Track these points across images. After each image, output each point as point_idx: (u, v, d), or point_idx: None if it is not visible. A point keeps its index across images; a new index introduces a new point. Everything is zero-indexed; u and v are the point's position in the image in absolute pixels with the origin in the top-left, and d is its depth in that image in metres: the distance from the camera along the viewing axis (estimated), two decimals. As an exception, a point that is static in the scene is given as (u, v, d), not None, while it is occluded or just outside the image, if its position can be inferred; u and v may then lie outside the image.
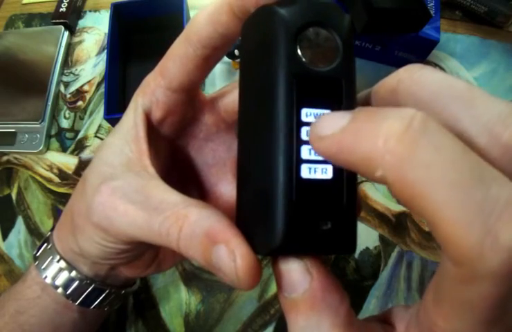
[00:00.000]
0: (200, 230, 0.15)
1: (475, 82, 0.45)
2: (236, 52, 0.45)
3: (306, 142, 0.13)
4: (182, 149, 0.24)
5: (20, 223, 0.44)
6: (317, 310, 0.13)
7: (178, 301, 0.38)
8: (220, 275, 0.15)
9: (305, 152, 0.13)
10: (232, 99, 0.23)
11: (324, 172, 0.13)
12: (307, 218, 0.13)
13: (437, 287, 0.11)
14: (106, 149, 0.20)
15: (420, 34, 0.40)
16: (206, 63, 0.19)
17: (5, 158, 0.47)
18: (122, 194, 0.18)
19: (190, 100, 0.22)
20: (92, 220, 0.19)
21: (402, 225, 0.39)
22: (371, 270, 0.38)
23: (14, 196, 0.45)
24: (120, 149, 0.20)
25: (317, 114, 0.13)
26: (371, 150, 0.11)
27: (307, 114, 0.13)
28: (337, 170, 0.13)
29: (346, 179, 0.14)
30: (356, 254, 0.38)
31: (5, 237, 0.43)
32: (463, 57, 0.46)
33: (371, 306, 0.37)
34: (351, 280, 0.37)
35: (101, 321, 0.29)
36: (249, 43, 0.16)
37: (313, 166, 0.13)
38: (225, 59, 0.47)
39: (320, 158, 0.13)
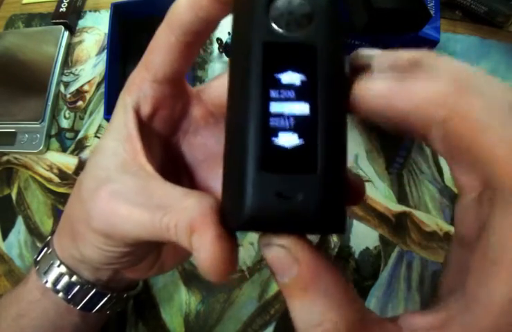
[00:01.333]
0: (186, 220, 0.15)
1: (475, 82, 0.45)
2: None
3: (278, 111, 0.13)
4: (174, 146, 0.23)
5: (20, 223, 0.44)
6: (310, 294, 0.13)
7: (178, 301, 0.38)
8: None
9: (276, 119, 0.13)
10: (218, 93, 0.22)
11: (296, 138, 0.13)
12: (277, 188, 0.13)
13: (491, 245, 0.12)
14: (100, 153, 0.20)
15: (420, 34, 0.40)
16: (189, 50, 0.19)
17: (5, 158, 0.47)
18: (122, 196, 0.18)
19: (177, 92, 0.21)
20: (92, 226, 0.19)
21: (402, 225, 0.39)
22: (371, 270, 0.38)
23: (14, 196, 0.45)
24: (114, 151, 0.19)
25: (290, 81, 0.13)
26: (435, 91, 0.12)
27: (281, 80, 0.13)
28: (310, 136, 0.13)
29: (322, 146, 0.13)
30: (356, 254, 0.38)
31: (5, 237, 0.43)
32: (463, 57, 0.46)
33: (371, 306, 0.36)
34: (351, 280, 0.37)
35: (102, 323, 0.29)
36: (233, 20, 0.16)
37: (284, 133, 0.13)
38: (225, 58, 0.47)
39: (291, 126, 0.13)
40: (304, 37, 0.14)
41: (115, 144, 0.20)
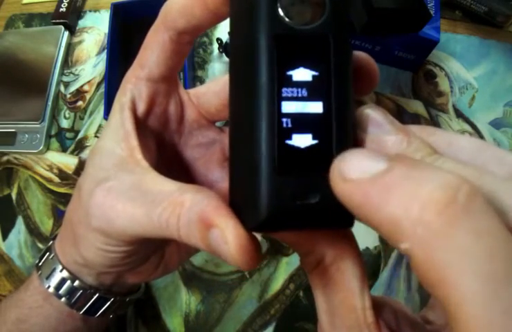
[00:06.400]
0: (195, 216, 0.15)
1: (475, 82, 0.45)
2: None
3: (290, 111, 0.13)
4: (170, 146, 0.24)
5: (20, 223, 0.44)
6: None
7: (178, 301, 0.38)
8: (222, 259, 0.15)
9: (289, 119, 0.13)
10: (207, 99, 0.23)
11: (311, 139, 0.13)
12: (293, 190, 0.12)
13: None
14: (98, 154, 0.20)
15: (420, 34, 0.40)
16: (183, 47, 0.20)
17: (5, 158, 0.47)
18: (118, 192, 0.18)
19: (171, 91, 0.22)
20: (91, 225, 0.19)
21: (402, 225, 0.39)
22: (371, 270, 0.38)
23: (14, 196, 0.45)
24: (111, 151, 0.20)
25: (302, 78, 0.13)
26: (402, 215, 0.09)
27: (292, 77, 0.13)
28: (325, 136, 0.13)
29: (337, 145, 0.13)
30: (356, 254, 0.38)
31: (5, 237, 0.43)
32: (463, 57, 0.46)
33: (371, 306, 0.36)
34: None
35: (104, 327, 0.29)
36: (233, 15, 0.15)
37: (298, 134, 0.13)
38: (225, 58, 0.47)
39: (305, 124, 0.13)
40: (318, 28, 0.13)
41: (113, 145, 0.20)
